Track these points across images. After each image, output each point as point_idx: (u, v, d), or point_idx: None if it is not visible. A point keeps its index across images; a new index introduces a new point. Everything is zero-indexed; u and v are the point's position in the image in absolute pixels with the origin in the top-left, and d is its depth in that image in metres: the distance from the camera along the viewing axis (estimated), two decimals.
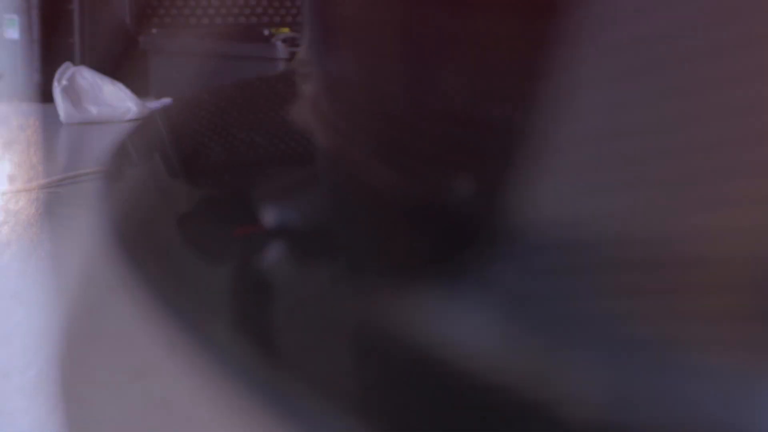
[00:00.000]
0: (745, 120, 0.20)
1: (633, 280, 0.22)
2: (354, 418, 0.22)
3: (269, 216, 0.39)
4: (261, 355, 0.26)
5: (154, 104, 1.91)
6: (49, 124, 1.86)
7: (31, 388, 0.67)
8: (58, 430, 0.61)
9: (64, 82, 1.92)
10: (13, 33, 2.17)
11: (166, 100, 1.88)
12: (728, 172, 0.20)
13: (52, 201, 1.26)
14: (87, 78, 1.95)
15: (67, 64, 2.07)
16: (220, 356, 0.26)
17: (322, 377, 0.24)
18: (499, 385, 0.23)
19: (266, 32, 1.91)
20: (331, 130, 0.45)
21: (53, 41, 2.16)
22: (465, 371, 0.24)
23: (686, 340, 0.21)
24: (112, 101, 1.92)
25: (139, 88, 2.07)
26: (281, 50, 1.83)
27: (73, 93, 1.91)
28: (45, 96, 2.05)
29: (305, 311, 0.29)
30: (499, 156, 0.31)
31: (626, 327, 0.22)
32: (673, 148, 0.21)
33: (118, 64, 2.15)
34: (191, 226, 0.37)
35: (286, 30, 1.90)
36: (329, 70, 0.45)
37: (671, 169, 0.21)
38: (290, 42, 1.81)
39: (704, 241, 0.21)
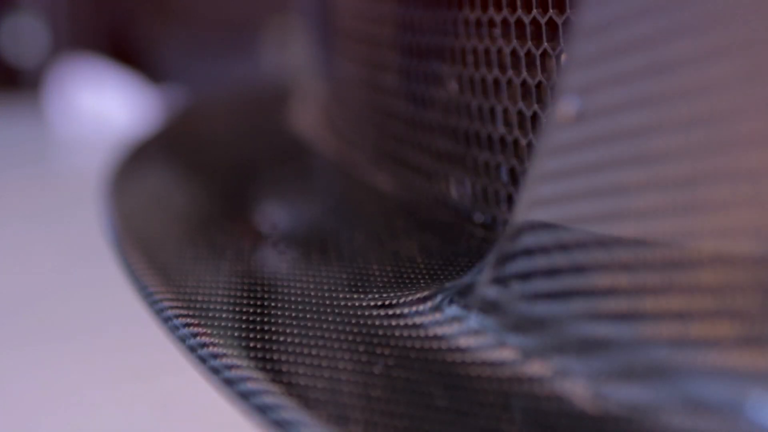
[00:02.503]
0: (746, 122, 0.20)
1: (620, 282, 0.22)
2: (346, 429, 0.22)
3: (273, 220, 0.39)
4: (260, 361, 0.26)
5: (162, 93, 1.88)
6: (48, 120, 1.85)
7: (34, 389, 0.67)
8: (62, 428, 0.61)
9: (63, 74, 1.90)
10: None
11: (175, 89, 1.85)
12: (731, 174, 0.20)
13: (51, 201, 1.26)
14: (89, 68, 1.93)
15: (68, 52, 2.04)
16: (218, 362, 0.26)
17: (319, 387, 0.25)
18: (494, 390, 0.23)
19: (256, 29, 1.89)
20: (337, 135, 0.45)
21: (55, 31, 2.15)
22: (463, 379, 0.24)
23: (679, 341, 0.21)
24: (117, 94, 1.90)
25: (146, 77, 2.04)
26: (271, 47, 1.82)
27: (71, 85, 1.89)
28: (41, 88, 2.03)
29: (305, 316, 0.29)
30: (495, 165, 0.31)
31: (613, 331, 0.22)
32: (668, 150, 0.21)
33: (125, 52, 2.13)
34: (194, 228, 0.37)
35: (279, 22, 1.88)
36: (334, 75, 0.45)
37: (667, 172, 0.22)
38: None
39: (701, 243, 0.21)
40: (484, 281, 0.26)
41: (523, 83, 0.30)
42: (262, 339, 0.27)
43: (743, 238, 0.20)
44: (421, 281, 0.30)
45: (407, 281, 0.30)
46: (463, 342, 0.25)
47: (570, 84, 0.24)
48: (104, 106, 1.83)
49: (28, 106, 1.93)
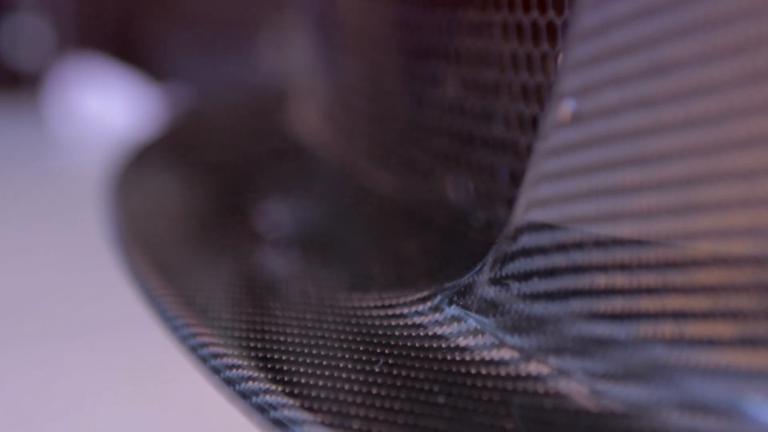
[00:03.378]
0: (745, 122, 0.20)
1: (618, 282, 0.22)
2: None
3: (274, 220, 0.39)
4: (260, 361, 0.26)
5: (162, 92, 1.86)
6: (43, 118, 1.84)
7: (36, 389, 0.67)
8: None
9: (64, 73, 1.89)
10: None
11: (176, 88, 1.84)
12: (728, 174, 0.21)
13: (51, 201, 1.26)
14: (90, 67, 1.92)
15: (68, 51, 2.03)
16: (219, 362, 0.26)
17: (319, 386, 0.25)
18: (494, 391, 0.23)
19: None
20: (337, 135, 0.45)
21: (55, 30, 2.13)
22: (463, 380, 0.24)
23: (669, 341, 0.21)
24: (117, 92, 1.88)
25: (147, 75, 2.03)
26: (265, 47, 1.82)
27: (72, 84, 1.88)
28: (41, 87, 2.02)
29: (305, 316, 0.29)
30: (495, 165, 0.32)
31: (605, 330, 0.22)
32: (666, 150, 0.22)
33: (126, 51, 2.12)
34: (196, 229, 0.38)
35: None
36: (334, 75, 0.45)
37: (665, 172, 0.22)
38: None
39: (698, 243, 0.21)
40: (483, 281, 0.26)
41: (523, 85, 0.30)
42: (262, 339, 0.28)
43: (741, 239, 0.20)
44: (421, 281, 0.30)
45: (407, 281, 0.30)
46: (463, 341, 0.26)
47: (566, 86, 0.24)
48: (104, 105, 1.82)
49: (28, 106, 1.92)
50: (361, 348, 0.27)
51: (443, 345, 0.26)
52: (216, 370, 0.26)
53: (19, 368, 0.70)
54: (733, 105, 0.20)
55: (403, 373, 0.25)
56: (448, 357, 0.25)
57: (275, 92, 0.68)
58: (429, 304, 0.28)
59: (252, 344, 0.27)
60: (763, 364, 0.20)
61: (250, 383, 0.25)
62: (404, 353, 0.26)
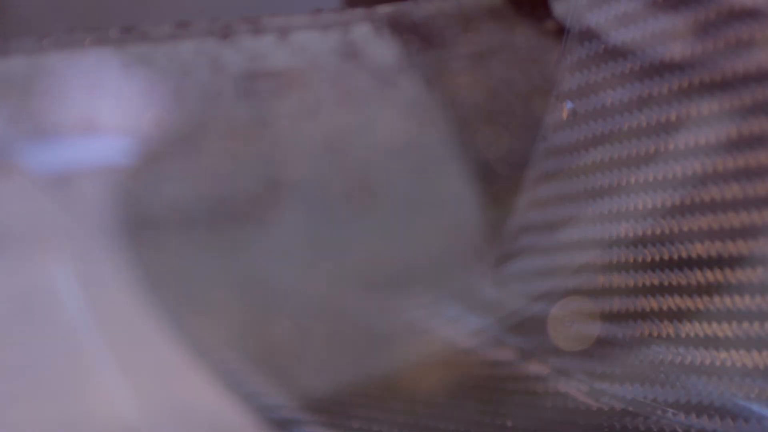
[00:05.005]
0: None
1: (618, 282, 0.22)
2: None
3: (277, 220, 0.39)
4: (261, 362, 0.26)
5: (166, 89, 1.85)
6: None
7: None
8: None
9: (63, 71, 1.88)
10: None
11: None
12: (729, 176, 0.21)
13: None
14: (89, 66, 1.90)
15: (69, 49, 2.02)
16: (220, 364, 0.27)
17: (320, 386, 0.25)
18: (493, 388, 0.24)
19: None
20: None
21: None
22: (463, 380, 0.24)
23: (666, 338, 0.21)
24: (117, 91, 1.86)
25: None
26: None
27: (71, 83, 1.87)
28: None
29: (306, 317, 0.29)
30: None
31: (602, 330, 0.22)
32: (669, 150, 0.22)
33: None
34: (200, 226, 0.38)
35: None
36: None
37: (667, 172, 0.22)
38: None
39: (696, 242, 0.21)
40: (483, 282, 0.26)
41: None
42: (263, 340, 0.28)
43: (739, 238, 0.20)
44: (422, 281, 0.30)
45: (408, 281, 0.30)
46: (463, 342, 0.26)
47: (564, 88, 0.24)
48: (104, 104, 1.81)
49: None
50: (360, 348, 0.27)
51: (443, 346, 0.26)
52: (218, 372, 0.27)
53: (17, 366, 0.70)
54: (724, 105, 0.20)
55: (403, 373, 0.25)
56: (448, 357, 0.25)
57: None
58: (430, 304, 0.28)
59: (252, 345, 0.28)
60: (763, 364, 0.20)
61: (251, 384, 0.25)
62: (404, 354, 0.26)
